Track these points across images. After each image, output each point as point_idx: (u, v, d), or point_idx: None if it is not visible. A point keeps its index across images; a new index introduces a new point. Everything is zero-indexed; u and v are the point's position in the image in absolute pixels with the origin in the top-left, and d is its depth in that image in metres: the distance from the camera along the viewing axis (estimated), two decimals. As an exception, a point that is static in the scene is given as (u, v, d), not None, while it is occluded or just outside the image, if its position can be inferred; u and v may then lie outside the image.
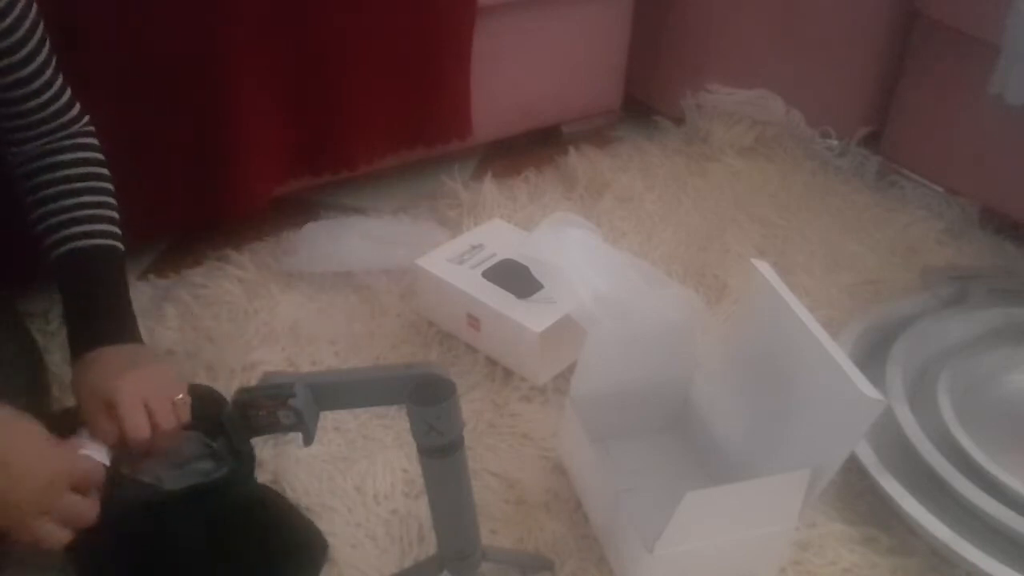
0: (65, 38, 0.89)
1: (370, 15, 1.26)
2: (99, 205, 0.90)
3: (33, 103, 0.88)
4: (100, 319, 0.86)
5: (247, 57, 1.19)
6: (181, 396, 0.81)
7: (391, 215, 1.40)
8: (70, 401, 1.03)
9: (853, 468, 0.95)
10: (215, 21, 1.14)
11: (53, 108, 0.90)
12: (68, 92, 0.92)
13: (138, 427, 0.77)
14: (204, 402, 0.84)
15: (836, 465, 0.81)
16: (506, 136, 1.57)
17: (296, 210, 1.38)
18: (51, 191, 0.89)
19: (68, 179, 0.90)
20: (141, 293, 1.22)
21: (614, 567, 0.89)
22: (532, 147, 1.60)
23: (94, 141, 0.93)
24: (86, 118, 0.94)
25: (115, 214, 0.91)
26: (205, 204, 1.26)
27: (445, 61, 1.38)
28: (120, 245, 0.91)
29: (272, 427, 0.71)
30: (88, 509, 0.73)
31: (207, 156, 1.23)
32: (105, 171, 0.93)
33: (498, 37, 1.42)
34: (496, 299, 1.09)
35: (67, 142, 0.91)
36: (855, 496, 0.97)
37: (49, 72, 0.88)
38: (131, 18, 1.09)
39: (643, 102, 1.71)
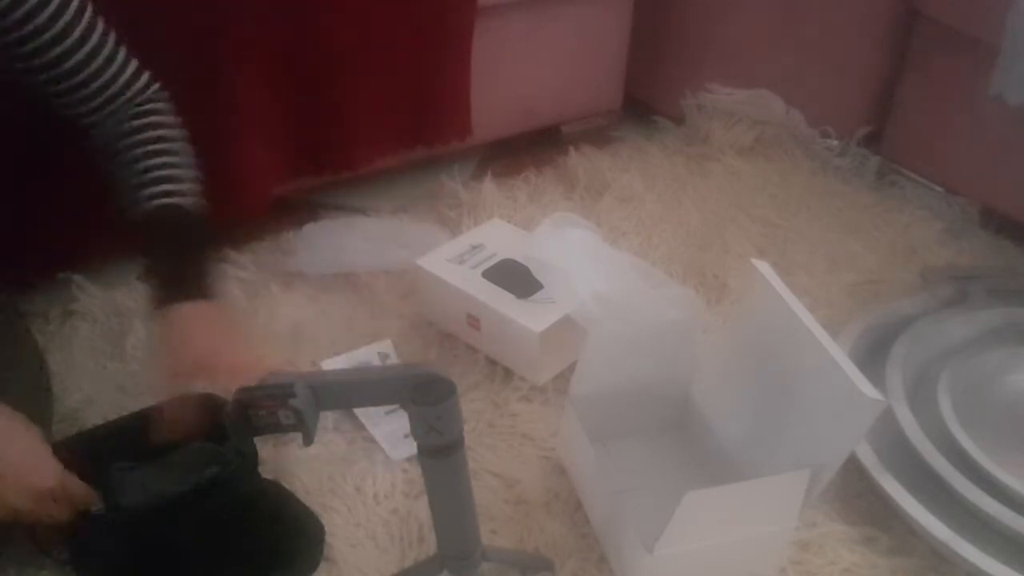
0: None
1: (370, 15, 1.26)
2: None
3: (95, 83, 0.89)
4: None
5: (247, 57, 1.19)
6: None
7: (391, 215, 1.40)
8: (70, 401, 1.04)
9: (853, 468, 0.95)
10: (216, 20, 1.14)
11: (121, 81, 0.91)
12: (133, 64, 0.92)
13: None
14: (206, 409, 0.85)
15: (836, 465, 0.81)
16: (506, 136, 1.56)
17: (296, 210, 1.38)
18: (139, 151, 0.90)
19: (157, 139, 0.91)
20: (141, 293, 1.21)
21: (614, 567, 0.89)
22: (532, 147, 1.60)
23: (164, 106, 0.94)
24: (156, 86, 0.94)
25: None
26: (205, 204, 1.26)
27: (445, 61, 1.37)
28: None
29: (272, 427, 0.71)
30: (62, 516, 0.78)
31: (207, 156, 1.22)
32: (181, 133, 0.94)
33: (498, 37, 1.42)
34: (496, 299, 1.09)
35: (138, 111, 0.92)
36: (855, 496, 0.97)
37: (106, 49, 0.89)
38: (130, 18, 1.09)
39: (643, 102, 1.71)
